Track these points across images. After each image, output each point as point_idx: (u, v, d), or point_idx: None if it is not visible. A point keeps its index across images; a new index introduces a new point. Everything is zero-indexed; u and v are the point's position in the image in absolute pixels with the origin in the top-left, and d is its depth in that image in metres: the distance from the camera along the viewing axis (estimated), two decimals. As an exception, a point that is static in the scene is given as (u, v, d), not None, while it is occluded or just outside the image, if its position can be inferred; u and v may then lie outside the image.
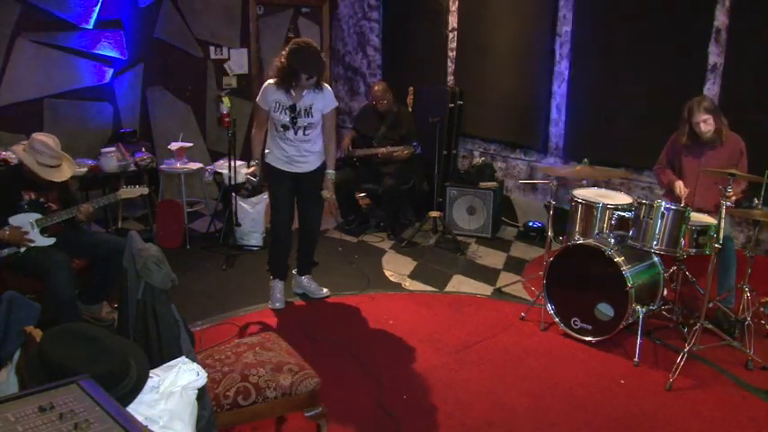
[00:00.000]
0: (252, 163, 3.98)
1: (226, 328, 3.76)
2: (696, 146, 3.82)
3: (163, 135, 6.04)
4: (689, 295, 4.00)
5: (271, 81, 3.72)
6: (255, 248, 5.09)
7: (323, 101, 3.77)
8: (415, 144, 5.24)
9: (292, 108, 3.70)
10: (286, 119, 3.71)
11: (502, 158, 5.98)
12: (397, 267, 4.80)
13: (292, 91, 3.68)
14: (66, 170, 3.53)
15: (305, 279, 4.21)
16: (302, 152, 3.80)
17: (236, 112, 6.33)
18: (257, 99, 3.81)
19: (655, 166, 4.15)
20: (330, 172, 3.92)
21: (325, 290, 4.23)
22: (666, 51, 4.63)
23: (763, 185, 3.46)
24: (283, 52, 3.63)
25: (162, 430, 1.57)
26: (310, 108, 3.73)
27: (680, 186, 3.85)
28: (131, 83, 5.90)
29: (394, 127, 5.46)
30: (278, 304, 4.01)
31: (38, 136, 3.44)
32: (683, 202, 3.76)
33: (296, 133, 3.75)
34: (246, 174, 3.98)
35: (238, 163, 5.19)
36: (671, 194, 3.96)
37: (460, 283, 4.53)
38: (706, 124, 3.71)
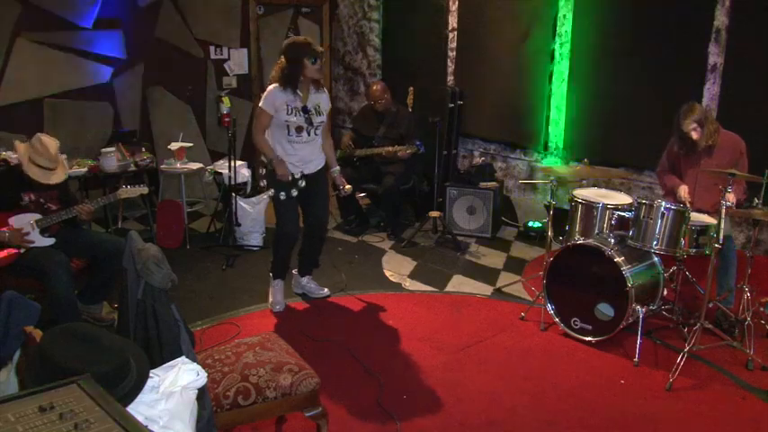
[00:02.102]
0: (274, 162, 3.68)
1: (226, 328, 3.76)
2: (694, 151, 3.82)
3: (163, 135, 6.04)
4: (689, 295, 4.00)
5: (275, 85, 3.68)
6: (255, 248, 5.09)
7: (325, 100, 3.85)
8: (418, 143, 5.22)
9: (305, 109, 3.69)
10: (301, 120, 3.68)
11: (502, 158, 5.98)
12: (397, 267, 4.80)
13: (299, 91, 3.66)
14: (59, 175, 3.50)
15: (305, 279, 4.20)
16: (314, 152, 3.82)
17: (236, 112, 6.34)
18: (262, 104, 3.69)
19: (657, 169, 4.15)
20: (337, 169, 4.01)
21: (325, 290, 4.22)
22: (666, 51, 4.63)
23: (763, 185, 3.46)
24: (281, 56, 3.66)
25: (162, 430, 1.57)
26: (319, 107, 3.77)
27: (684, 191, 3.84)
28: (131, 83, 5.90)
29: (393, 126, 5.46)
30: (278, 307, 3.97)
31: (43, 136, 3.46)
32: (688, 206, 3.75)
33: (309, 134, 3.73)
34: (280, 175, 3.68)
35: (238, 163, 5.19)
36: (672, 196, 3.96)
37: (460, 283, 4.53)
38: (696, 132, 3.72)
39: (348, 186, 3.99)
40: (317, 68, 3.68)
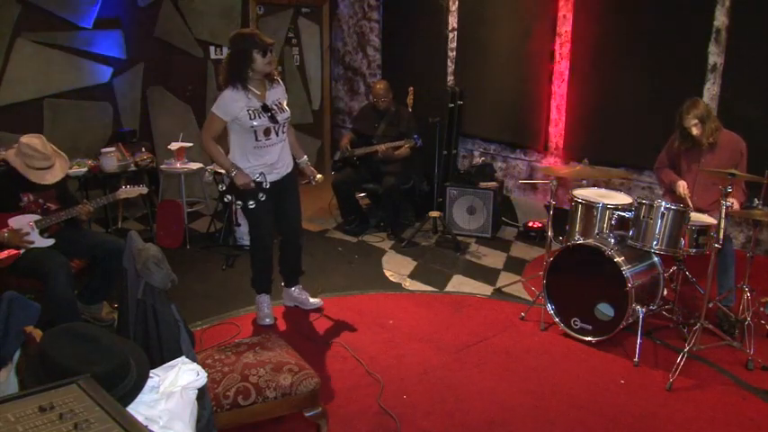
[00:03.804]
0: (233, 173, 3.45)
1: (226, 328, 3.76)
2: (695, 148, 3.83)
3: (163, 135, 6.03)
4: (689, 295, 4.01)
5: (227, 89, 3.37)
6: (255, 248, 5.08)
7: (284, 94, 3.58)
8: (415, 137, 5.19)
9: (265, 108, 3.42)
10: (266, 121, 3.40)
11: (502, 158, 5.98)
12: (397, 267, 4.80)
13: (253, 88, 3.38)
14: (58, 171, 3.48)
15: (295, 290, 4.00)
16: (284, 153, 3.59)
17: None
18: (215, 109, 3.38)
19: (655, 166, 4.15)
20: (304, 159, 3.80)
21: (316, 300, 4.03)
22: (666, 51, 4.63)
23: (763, 185, 3.46)
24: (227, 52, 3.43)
25: (162, 430, 1.57)
26: (280, 103, 3.50)
27: (683, 186, 3.84)
28: (131, 83, 5.90)
29: (393, 124, 5.46)
30: (268, 320, 3.77)
31: (24, 139, 3.40)
32: (688, 202, 3.76)
33: (277, 134, 3.48)
34: (242, 185, 3.46)
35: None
36: (671, 194, 3.96)
37: (460, 283, 4.53)
38: (697, 128, 3.73)
39: (319, 176, 3.79)
40: (267, 62, 3.37)
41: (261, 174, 3.50)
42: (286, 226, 3.81)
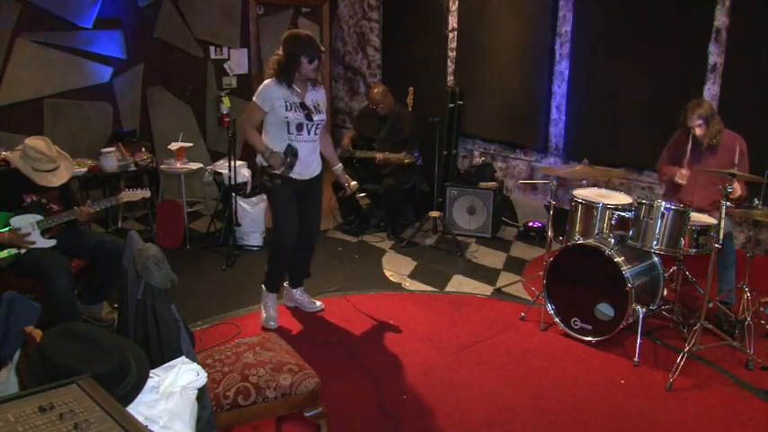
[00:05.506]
0: (267, 154, 3.47)
1: (226, 328, 3.76)
2: (696, 148, 3.83)
3: (163, 135, 6.04)
4: (689, 295, 4.01)
5: (271, 79, 3.51)
6: (255, 248, 5.09)
7: (323, 98, 3.68)
8: (416, 155, 5.22)
9: (303, 105, 3.50)
10: (301, 117, 3.48)
11: (502, 158, 5.98)
12: (397, 267, 4.80)
13: (295, 87, 3.50)
14: (64, 172, 3.49)
15: (297, 292, 4.00)
16: (314, 154, 3.63)
17: (236, 113, 6.33)
18: (255, 98, 3.52)
19: (657, 165, 4.15)
20: (339, 167, 3.89)
21: (318, 303, 4.01)
22: (666, 51, 4.63)
23: (763, 185, 3.46)
24: (280, 47, 3.51)
25: (162, 430, 1.57)
26: (318, 105, 3.59)
27: (681, 173, 3.84)
28: (131, 83, 5.90)
29: (395, 130, 5.44)
30: (272, 323, 3.74)
31: (29, 141, 3.39)
32: (683, 183, 3.75)
33: (309, 132, 3.54)
34: (275, 164, 3.46)
35: (238, 163, 5.19)
36: (672, 193, 3.96)
37: (460, 283, 4.53)
38: (700, 129, 3.73)
39: (354, 183, 3.86)
40: (314, 68, 3.49)
41: (288, 144, 3.48)
42: (303, 226, 3.78)
